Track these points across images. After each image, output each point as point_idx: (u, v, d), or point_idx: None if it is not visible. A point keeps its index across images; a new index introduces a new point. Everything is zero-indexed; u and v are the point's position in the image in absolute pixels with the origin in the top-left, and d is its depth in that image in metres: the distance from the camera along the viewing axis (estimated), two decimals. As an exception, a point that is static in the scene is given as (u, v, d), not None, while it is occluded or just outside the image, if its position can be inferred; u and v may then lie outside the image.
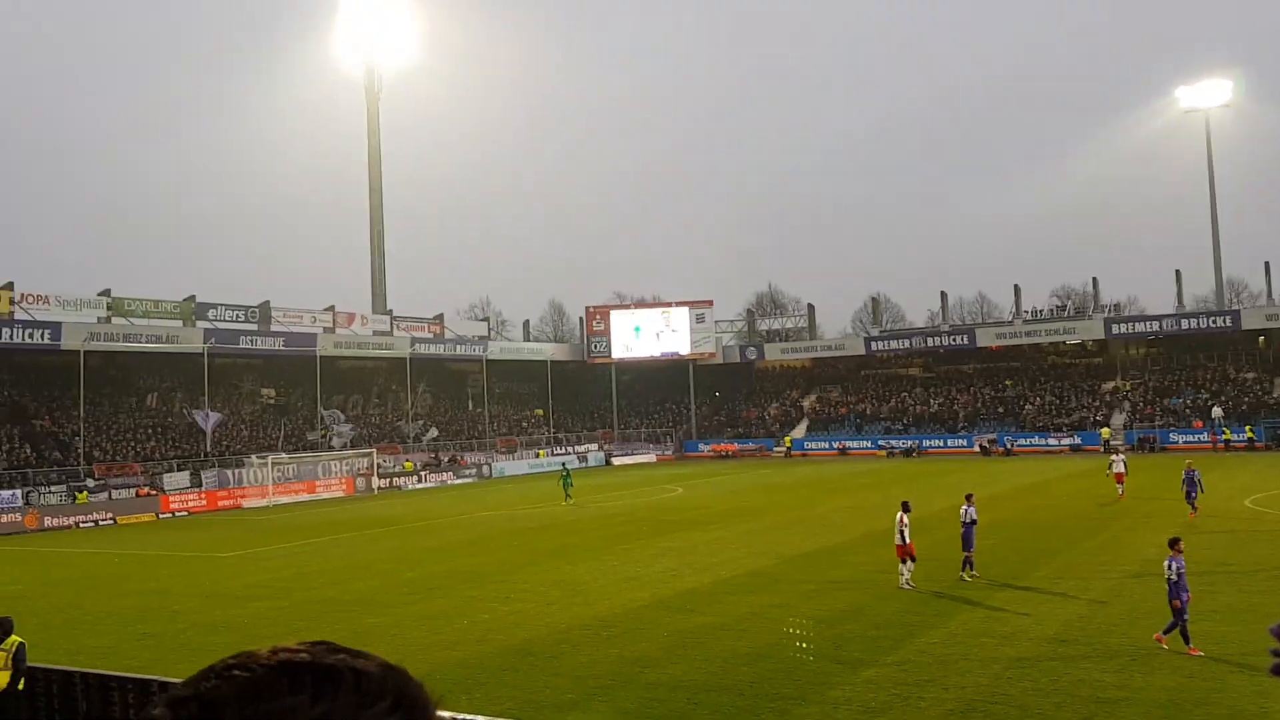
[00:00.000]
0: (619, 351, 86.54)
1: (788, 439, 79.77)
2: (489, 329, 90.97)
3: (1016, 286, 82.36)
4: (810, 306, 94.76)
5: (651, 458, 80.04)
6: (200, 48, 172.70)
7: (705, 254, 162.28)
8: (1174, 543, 15.52)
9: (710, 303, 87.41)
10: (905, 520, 20.89)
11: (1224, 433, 64.36)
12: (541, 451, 72.50)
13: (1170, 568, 15.03)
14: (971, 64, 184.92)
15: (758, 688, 14.06)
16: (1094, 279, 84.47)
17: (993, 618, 17.78)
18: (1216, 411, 67.69)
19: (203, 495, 51.18)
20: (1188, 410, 69.93)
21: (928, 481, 47.85)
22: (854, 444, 77.33)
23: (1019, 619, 17.58)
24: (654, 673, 15.08)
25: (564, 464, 54.52)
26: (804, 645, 15.80)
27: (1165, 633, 15.14)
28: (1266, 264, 76.32)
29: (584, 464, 72.22)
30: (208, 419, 57.71)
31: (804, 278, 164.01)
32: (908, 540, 20.72)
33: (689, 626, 18.12)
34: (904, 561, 20.75)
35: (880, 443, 76.12)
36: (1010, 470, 53.81)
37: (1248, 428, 64.44)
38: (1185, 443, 66.08)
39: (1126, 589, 19.85)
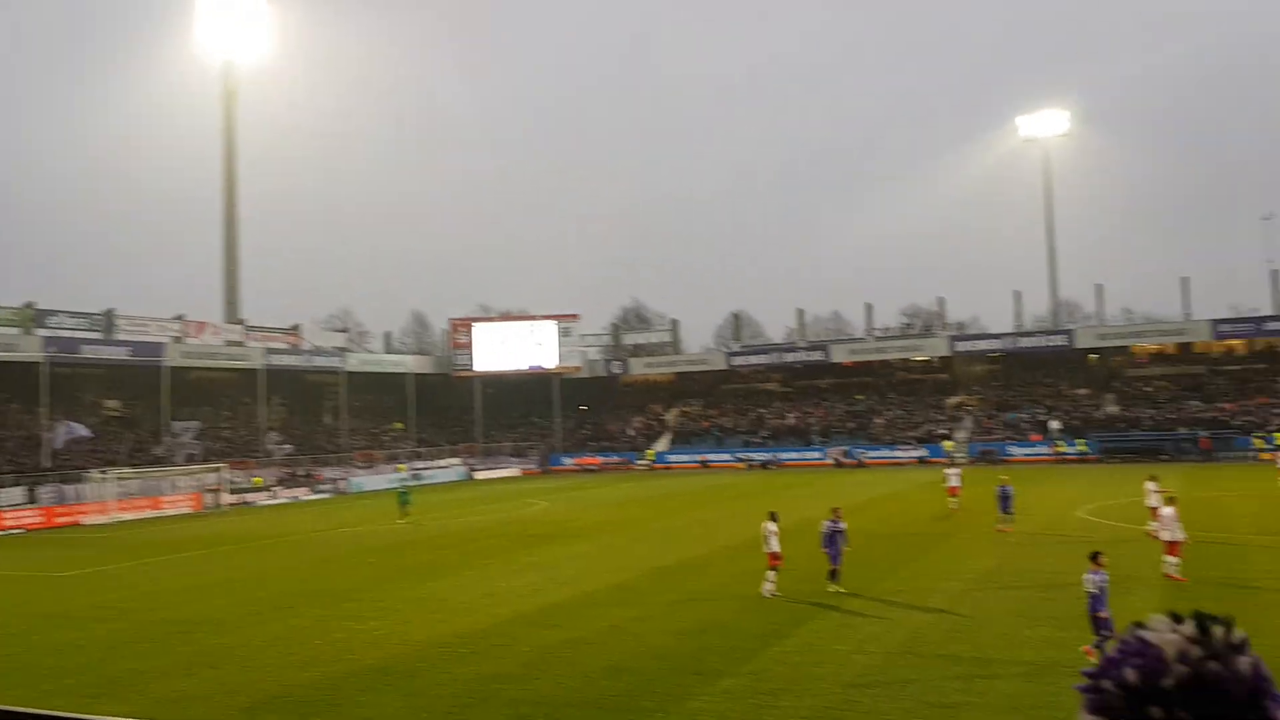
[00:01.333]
0: (483, 364, 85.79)
1: (651, 452, 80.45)
2: (348, 340, 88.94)
3: (868, 305, 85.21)
4: (674, 321, 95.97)
5: (515, 471, 79.54)
6: (43, 42, 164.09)
7: (572, 268, 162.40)
8: (1095, 556, 15.67)
9: (576, 316, 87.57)
10: (773, 529, 21.51)
11: (1059, 445, 67.87)
12: (401, 466, 71.19)
13: (1090, 581, 15.26)
14: (831, 95, 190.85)
15: (618, 701, 14.15)
16: (940, 299, 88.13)
17: (846, 626, 18.32)
18: (1053, 425, 71.36)
19: (40, 511, 48.46)
20: (1025, 424, 73.49)
21: (785, 493, 48.95)
22: (715, 457, 78.50)
23: (870, 627, 18.14)
24: (514, 689, 15.00)
25: (402, 480, 53.02)
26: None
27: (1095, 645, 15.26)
28: (1098, 286, 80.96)
29: (415, 480, 71.14)
30: (70, 431, 54.69)
31: (669, 293, 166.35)
32: (775, 548, 21.26)
33: (551, 642, 18.09)
34: (771, 569, 21.24)
35: (740, 455, 77.52)
36: (861, 482, 55.53)
37: (1080, 441, 68.14)
38: (1024, 455, 69.41)
39: (969, 598, 20.71)
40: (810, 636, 17.58)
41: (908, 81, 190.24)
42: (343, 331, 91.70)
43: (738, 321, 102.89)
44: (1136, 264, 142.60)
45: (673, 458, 79.94)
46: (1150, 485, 29.05)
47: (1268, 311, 74.55)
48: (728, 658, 16.35)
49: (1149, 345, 79.16)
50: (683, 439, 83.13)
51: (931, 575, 23.51)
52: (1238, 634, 1.28)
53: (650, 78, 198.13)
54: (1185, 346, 77.58)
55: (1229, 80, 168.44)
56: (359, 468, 71.10)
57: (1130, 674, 1.28)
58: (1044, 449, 69.32)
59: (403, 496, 43.55)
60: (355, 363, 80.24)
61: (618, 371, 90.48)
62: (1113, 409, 73.36)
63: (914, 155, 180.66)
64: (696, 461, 78.48)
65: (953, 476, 37.59)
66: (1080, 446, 67.61)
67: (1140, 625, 1.33)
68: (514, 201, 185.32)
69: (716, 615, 19.84)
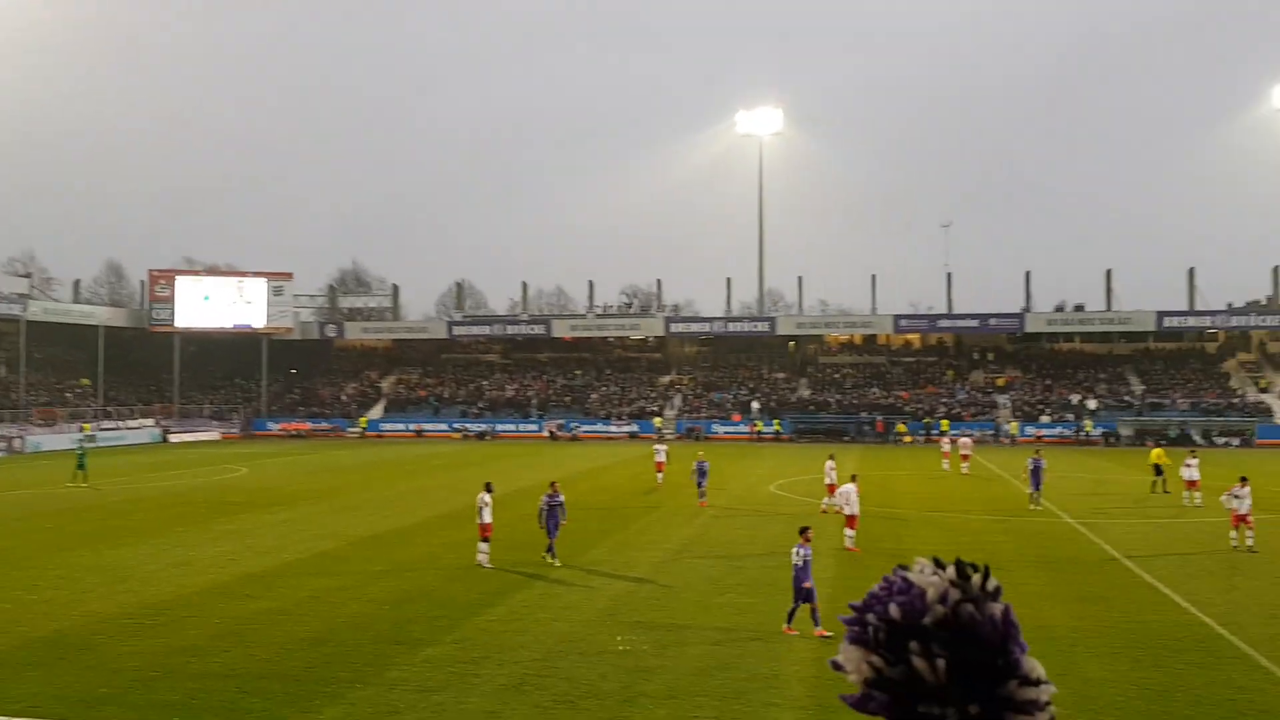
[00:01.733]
0: (185, 320, 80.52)
1: (364, 420, 78.55)
2: (31, 286, 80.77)
3: (591, 282, 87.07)
4: (395, 286, 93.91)
5: (215, 435, 75.37)
6: None
7: (288, 226, 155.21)
8: (803, 531, 16.16)
9: (290, 275, 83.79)
10: (487, 500, 21.66)
11: (757, 425, 72.28)
12: (86, 425, 65.66)
13: (798, 554, 15.72)
14: (566, 76, 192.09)
15: (314, 673, 13.90)
16: (659, 280, 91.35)
17: (549, 594, 18.82)
18: (754, 406, 75.85)
19: None
20: (729, 404, 77.65)
21: (499, 464, 49.28)
22: (431, 426, 77.73)
23: (572, 596, 18.73)
24: (202, 662, 14.39)
25: (80, 441, 48.92)
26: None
27: (789, 621, 15.83)
28: (800, 278, 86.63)
29: (91, 442, 66.37)
30: None
31: (391, 258, 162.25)
32: (487, 520, 21.43)
33: (244, 612, 17.45)
34: (484, 540, 21.42)
35: (456, 426, 77.15)
36: (575, 455, 56.82)
37: (776, 421, 72.89)
38: (726, 433, 73.44)
39: (667, 567, 21.79)
40: (515, 605, 17.93)
41: (642, 68, 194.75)
42: (25, 277, 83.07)
43: (460, 291, 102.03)
44: (834, 259, 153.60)
45: (386, 426, 78.42)
46: (829, 464, 31.54)
47: (941, 310, 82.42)
48: (431, 627, 16.41)
49: (840, 335, 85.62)
50: (398, 407, 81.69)
51: (634, 546, 24.50)
52: (992, 582, 1.37)
53: (386, 35, 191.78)
54: (870, 338, 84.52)
55: (924, 97, 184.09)
56: (38, 425, 65.02)
57: (894, 610, 1.35)
58: (744, 428, 73.58)
59: (80, 458, 40.23)
60: (38, 311, 73.22)
61: (332, 335, 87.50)
62: (806, 393, 78.85)
63: (643, 140, 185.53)
64: (411, 431, 77.40)
65: (660, 452, 39.20)
66: (776, 426, 72.32)
67: (904, 567, 1.41)
68: (231, 153, 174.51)
69: (422, 585, 19.81)
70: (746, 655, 14.73)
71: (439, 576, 20.66)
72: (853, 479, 26.39)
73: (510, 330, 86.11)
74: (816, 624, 15.53)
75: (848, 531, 23.90)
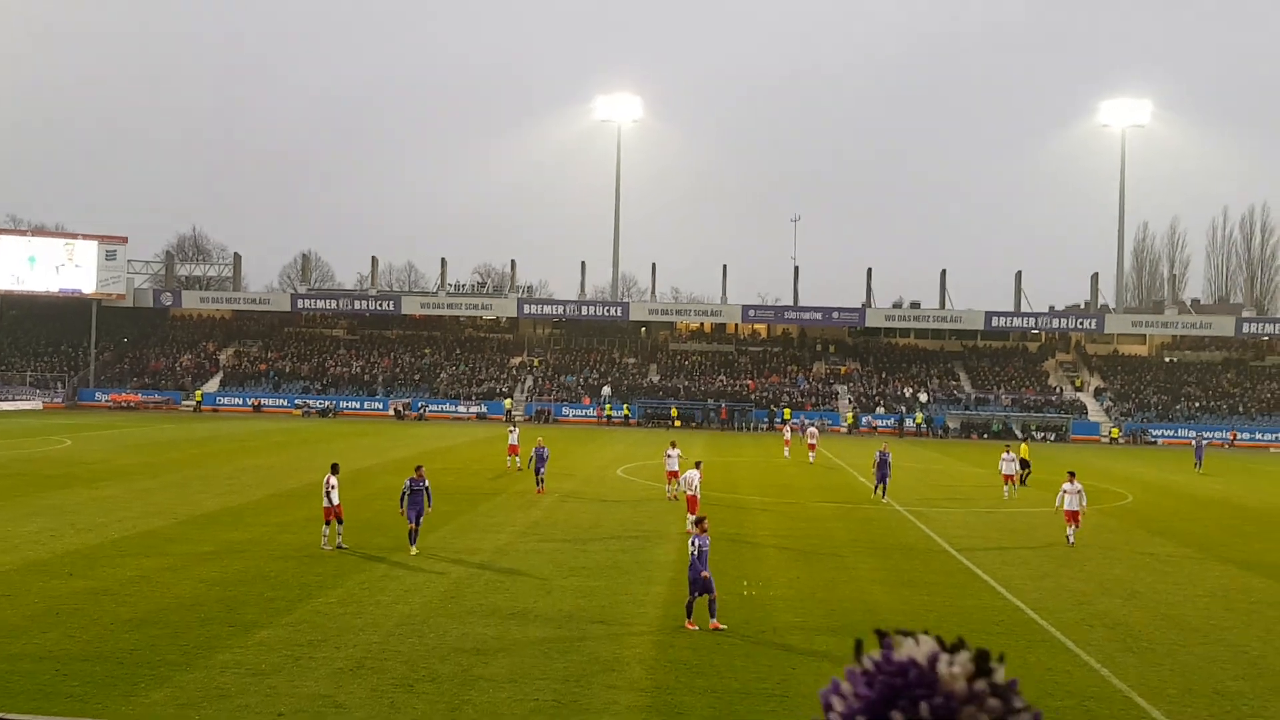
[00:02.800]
0: (6, 283, 75.67)
1: (199, 393, 75.50)
2: None
3: (443, 260, 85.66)
4: (237, 255, 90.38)
5: (36, 405, 71.23)
6: None
7: (124, 189, 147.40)
8: (699, 521, 15.82)
9: (124, 239, 79.69)
10: (334, 482, 20.97)
11: (607, 409, 72.74)
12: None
13: (694, 544, 15.34)
14: (427, 48, 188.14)
15: (138, 655, 13.36)
16: (513, 261, 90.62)
17: (390, 577, 18.55)
18: (605, 390, 76.29)
19: None
20: (580, 388, 77.89)
21: (343, 443, 48.19)
22: (270, 401, 75.33)
23: (414, 578, 18.50)
24: (17, 643, 13.65)
25: None
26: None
27: (689, 615, 15.40)
28: (654, 265, 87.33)
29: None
30: None
31: (233, 226, 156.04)
32: (335, 501, 20.79)
33: (64, 592, 16.61)
34: (329, 523, 20.85)
35: (297, 402, 74.99)
36: (422, 434, 56.04)
37: (625, 406, 73.55)
38: (575, 416, 73.70)
39: (511, 551, 21.77)
40: (353, 588, 17.61)
41: (503, 47, 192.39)
42: None
43: (307, 263, 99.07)
44: (687, 247, 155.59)
45: (223, 400, 75.61)
46: (672, 452, 31.45)
47: (788, 302, 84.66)
48: (265, 609, 15.98)
49: (690, 323, 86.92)
50: (236, 381, 78.79)
51: (479, 529, 24.36)
52: (1011, 679, 1.20)
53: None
54: (720, 327, 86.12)
55: (780, 94, 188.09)
56: None
57: (925, 710, 1.18)
58: (593, 411, 73.94)
59: None
60: None
61: (168, 304, 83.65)
62: (655, 378, 79.78)
63: (501, 120, 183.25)
64: (249, 406, 74.84)
65: (512, 435, 38.73)
66: (625, 411, 72.97)
67: (885, 635, 1.22)
68: (60, 108, 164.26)
69: (256, 566, 19.24)
70: (588, 638, 14.87)
71: (274, 557, 20.09)
72: (696, 465, 26.97)
73: (358, 305, 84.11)
74: (713, 615, 15.35)
75: (691, 516, 24.07)
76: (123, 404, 74.57)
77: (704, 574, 15.20)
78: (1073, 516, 24.03)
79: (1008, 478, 33.62)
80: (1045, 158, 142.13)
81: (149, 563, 19.14)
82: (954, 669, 1.21)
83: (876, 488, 32.13)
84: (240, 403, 75.33)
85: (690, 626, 15.25)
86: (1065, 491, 24.28)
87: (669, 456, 31.16)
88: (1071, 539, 24.05)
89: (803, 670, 13.59)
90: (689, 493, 24.97)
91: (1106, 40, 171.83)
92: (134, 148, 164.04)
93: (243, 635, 14.45)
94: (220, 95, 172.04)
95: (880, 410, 74.65)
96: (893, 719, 1.19)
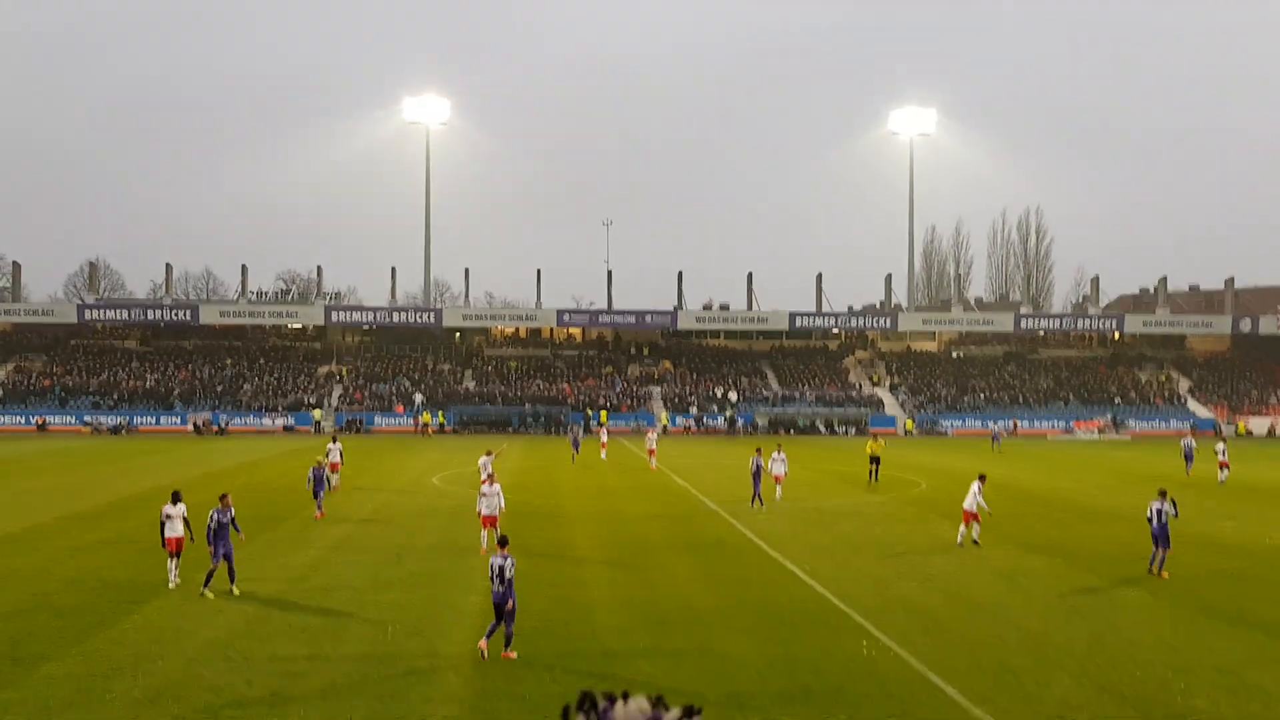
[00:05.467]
0: None
1: (-28, 412, 69.85)
2: None
3: (244, 266, 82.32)
4: (16, 264, 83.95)
5: None
6: None
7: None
8: (502, 542, 14.92)
9: (-124, 246, 72.78)
10: (171, 511, 18.66)
11: (424, 417, 71.48)
12: None
13: (494, 565, 14.34)
14: (225, 41, 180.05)
15: (-92, 701, 12.31)
16: (319, 267, 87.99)
17: (193, 600, 17.66)
18: (419, 398, 74.96)
19: None
20: (393, 396, 76.29)
21: (137, 460, 45.64)
22: (56, 419, 70.53)
23: (219, 601, 17.66)
24: None
25: None
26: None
27: (488, 637, 14.37)
28: (467, 270, 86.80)
29: None
30: None
31: (10, 232, 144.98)
32: (180, 532, 18.59)
33: None
34: (174, 556, 18.60)
35: (86, 419, 70.46)
36: (224, 449, 53.66)
37: (440, 413, 72.52)
38: (389, 425, 72.14)
39: (324, 566, 21.15)
40: (152, 614, 16.72)
41: (305, 43, 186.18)
42: None
43: (94, 271, 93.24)
44: (501, 252, 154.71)
45: (2, 419, 70.25)
46: (485, 459, 30.26)
47: (602, 305, 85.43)
48: (53, 641, 14.99)
49: (506, 328, 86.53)
50: (17, 398, 73.32)
51: (288, 546, 23.52)
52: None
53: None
54: (535, 331, 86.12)
55: (589, 96, 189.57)
56: None
57: None
58: (407, 420, 72.55)
59: None
60: None
61: (-66, 316, 77.05)
62: (471, 384, 79.00)
63: (302, 120, 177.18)
64: (32, 424, 69.81)
65: (334, 451, 34.97)
66: (440, 419, 71.92)
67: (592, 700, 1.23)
68: None
69: (42, 595, 17.99)
70: (403, 652, 14.62)
71: (62, 585, 18.83)
72: (489, 468, 27.31)
73: (152, 315, 79.74)
74: (507, 645, 14.32)
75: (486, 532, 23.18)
76: (-118, 426, 68.24)
77: (509, 604, 14.10)
78: (972, 516, 23.79)
79: (778, 478, 32.08)
80: (843, 164, 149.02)
81: (-83, 599, 17.62)
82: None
83: (754, 499, 30.32)
84: (23, 421, 70.18)
85: (482, 646, 14.26)
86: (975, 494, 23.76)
87: (485, 464, 29.93)
88: (968, 538, 23.82)
89: (622, 671, 13.79)
90: (488, 512, 22.66)
91: (897, 47, 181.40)
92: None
93: (28, 670, 13.52)
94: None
95: (693, 410, 76.28)
96: None
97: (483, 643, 14.31)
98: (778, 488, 32.09)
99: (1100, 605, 18.01)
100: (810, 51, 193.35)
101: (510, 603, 14.17)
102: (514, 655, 14.21)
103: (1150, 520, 20.62)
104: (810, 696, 12.86)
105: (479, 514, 23.07)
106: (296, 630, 15.81)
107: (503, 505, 23.11)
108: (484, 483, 23.67)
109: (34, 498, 31.92)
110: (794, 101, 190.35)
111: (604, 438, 51.08)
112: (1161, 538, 20.35)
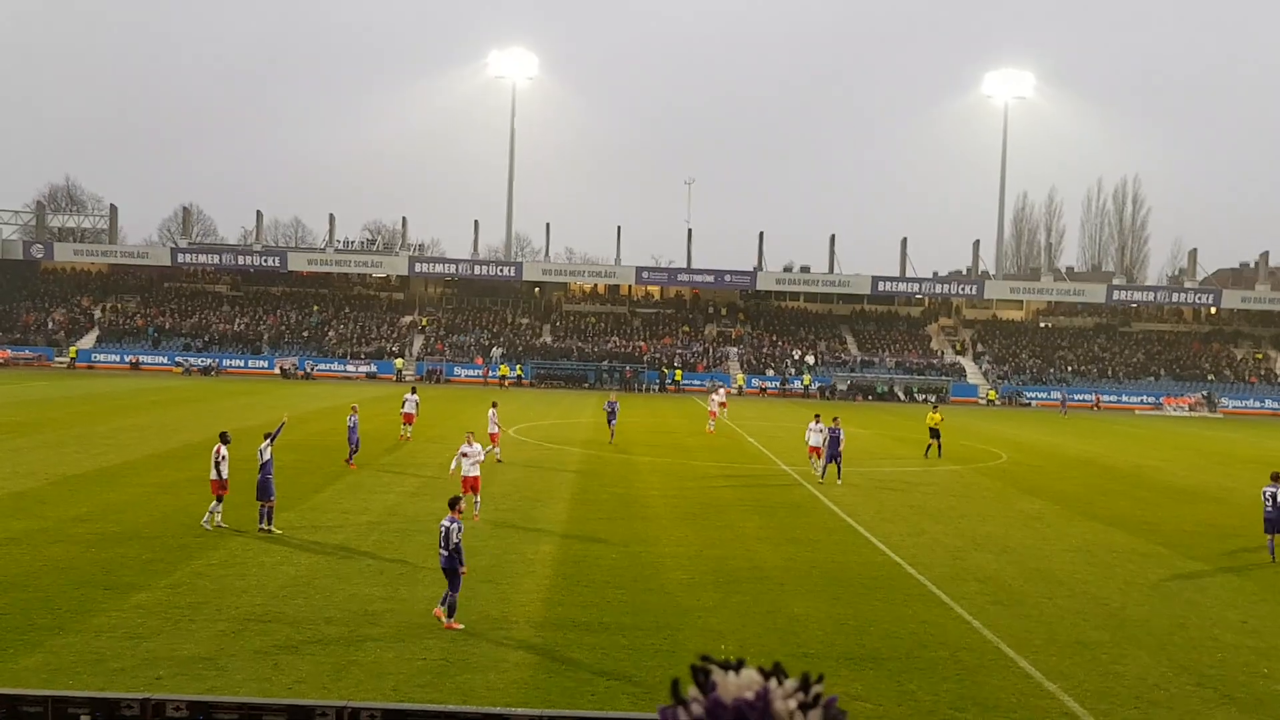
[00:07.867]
0: None
1: (73, 349, 72.51)
2: None
3: (331, 216, 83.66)
4: (113, 208, 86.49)
5: (-110, 360, 67.39)
6: None
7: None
8: (452, 503, 14.47)
9: (-15, 187, 75.57)
10: (224, 453, 19.03)
11: (501, 369, 72.28)
12: None
13: (443, 526, 13.86)
14: (314, 4, 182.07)
15: (8, 620, 12.90)
16: (404, 218, 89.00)
17: (275, 537, 18.21)
18: (496, 351, 75.77)
19: None
20: (472, 347, 77.22)
21: (226, 402, 46.95)
22: (149, 359, 72.83)
23: (300, 538, 18.21)
24: (-127, 611, 13.03)
25: None
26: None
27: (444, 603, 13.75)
28: (548, 225, 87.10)
29: None
30: None
31: (108, 177, 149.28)
32: (224, 475, 18.84)
33: (-75, 557, 15.89)
34: (219, 499, 18.93)
35: (178, 359, 72.64)
36: (309, 394, 54.89)
37: (519, 367, 73.23)
38: (467, 376, 73.08)
39: (401, 509, 21.60)
40: (236, 549, 17.25)
41: (389, 10, 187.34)
42: None
43: (188, 216, 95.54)
44: (582, 208, 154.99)
45: (99, 357, 72.76)
46: (492, 412, 29.70)
47: (681, 264, 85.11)
48: (143, 571, 15.56)
49: (584, 284, 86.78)
50: (113, 337, 75.86)
51: (367, 489, 24.05)
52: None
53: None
54: (613, 288, 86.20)
55: (675, 54, 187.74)
56: None
57: None
58: (482, 371, 73.40)
59: None
60: None
61: (39, 256, 79.91)
62: (548, 339, 79.57)
63: (391, 75, 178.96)
64: (127, 363, 72.22)
65: (410, 402, 34.92)
66: (518, 371, 72.64)
67: (706, 668, 1.18)
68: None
69: (134, 527, 18.67)
70: (477, 597, 14.86)
71: (152, 519, 19.52)
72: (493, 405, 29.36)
73: (242, 261, 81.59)
74: (450, 615, 13.50)
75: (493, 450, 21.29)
76: (-11, 360, 71.21)
77: (460, 570, 13.47)
78: (816, 451, 28.42)
79: (814, 449, 29.48)
80: (933, 127, 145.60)
81: (19, 525, 18.43)
82: (789, 704, 1.21)
83: (825, 468, 27.91)
84: (118, 360, 72.64)
85: (437, 614, 13.59)
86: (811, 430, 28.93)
87: (492, 417, 29.31)
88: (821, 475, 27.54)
89: (689, 626, 13.85)
90: (469, 474, 21.05)
91: (993, 11, 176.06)
92: (5, 95, 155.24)
93: (119, 598, 14.06)
94: (95, 43, 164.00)
95: (770, 373, 75.87)
96: None
97: (438, 609, 13.64)
98: (817, 462, 28.79)
99: (1183, 585, 17.57)
100: (904, 12, 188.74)
101: (460, 568, 13.49)
102: (459, 626, 13.28)
103: (1265, 504, 19.79)
104: (879, 661, 12.79)
105: (451, 472, 21.82)
106: (374, 573, 16.17)
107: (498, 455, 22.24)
108: (466, 441, 21.58)
109: (128, 435, 33.06)
110: (885, 62, 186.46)
111: (713, 404, 43.85)
112: (1276, 523, 19.54)
